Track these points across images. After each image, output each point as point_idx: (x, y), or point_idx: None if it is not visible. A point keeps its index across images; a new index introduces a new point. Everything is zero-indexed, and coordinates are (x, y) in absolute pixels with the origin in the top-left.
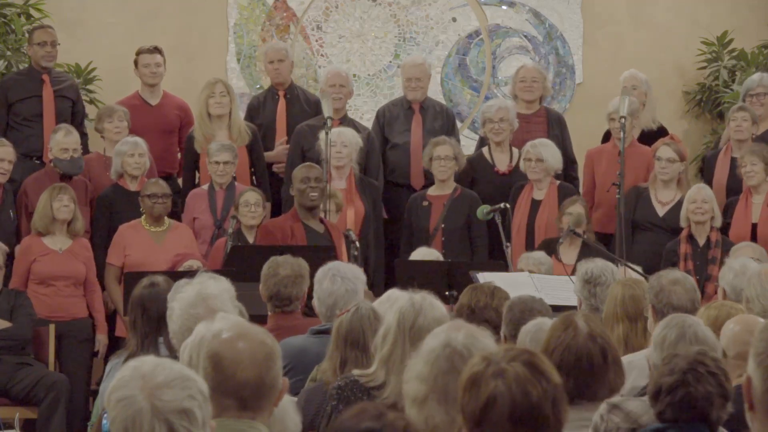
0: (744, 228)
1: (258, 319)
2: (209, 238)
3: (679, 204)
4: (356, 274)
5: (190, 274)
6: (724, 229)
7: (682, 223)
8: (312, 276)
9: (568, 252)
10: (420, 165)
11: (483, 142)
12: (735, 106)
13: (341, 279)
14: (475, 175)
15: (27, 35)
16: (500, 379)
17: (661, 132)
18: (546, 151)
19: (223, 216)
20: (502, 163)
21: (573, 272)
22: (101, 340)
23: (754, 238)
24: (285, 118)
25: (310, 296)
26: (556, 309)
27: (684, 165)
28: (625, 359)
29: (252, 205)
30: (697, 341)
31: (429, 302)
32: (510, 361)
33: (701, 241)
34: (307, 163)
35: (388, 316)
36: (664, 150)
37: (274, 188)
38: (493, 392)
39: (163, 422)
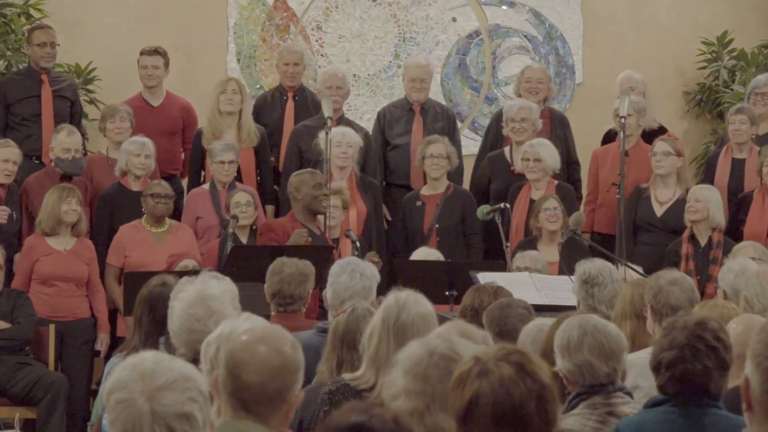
0: (760, 227)
1: None
2: (216, 238)
3: (678, 203)
4: (373, 273)
5: (191, 273)
6: (738, 225)
7: (686, 223)
8: (320, 271)
9: (549, 250)
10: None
11: (487, 140)
12: (733, 108)
13: (360, 275)
14: (492, 172)
15: (27, 35)
16: (484, 379)
17: (662, 132)
18: (544, 150)
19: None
20: (519, 164)
21: (560, 270)
22: (103, 339)
23: None
24: (293, 119)
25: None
26: (556, 309)
27: (681, 160)
28: (626, 358)
29: (243, 206)
30: (599, 333)
31: (413, 299)
32: (498, 361)
33: (703, 242)
34: (310, 169)
35: (375, 316)
36: (659, 145)
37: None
38: (476, 392)
39: (164, 427)
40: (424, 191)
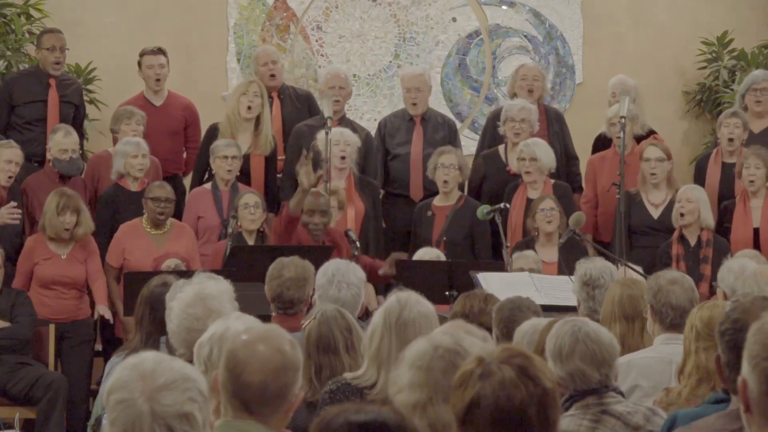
0: (745, 233)
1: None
2: (216, 239)
3: (672, 203)
4: (359, 276)
5: (185, 273)
6: (724, 234)
7: (674, 224)
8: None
9: (546, 250)
10: (419, 177)
11: (485, 139)
12: (727, 111)
13: (347, 285)
14: (486, 171)
15: (27, 35)
16: (486, 381)
17: (649, 135)
18: (539, 150)
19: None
20: (515, 164)
21: (560, 270)
22: (102, 310)
23: (756, 242)
24: (280, 118)
25: None
26: (556, 309)
27: (671, 164)
28: (624, 359)
29: (251, 207)
30: (591, 341)
31: (415, 298)
32: (501, 363)
33: (692, 242)
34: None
35: (376, 315)
36: (651, 150)
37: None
38: (477, 394)
39: (164, 427)
40: (437, 202)
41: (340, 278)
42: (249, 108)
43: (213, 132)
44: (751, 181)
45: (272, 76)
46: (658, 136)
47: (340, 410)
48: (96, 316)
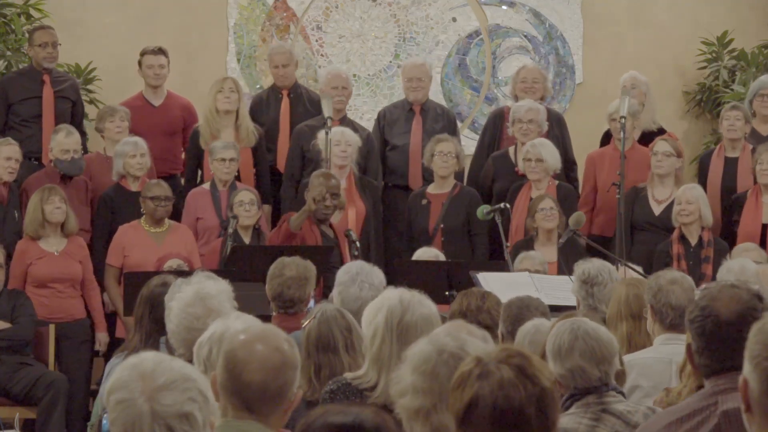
0: (754, 228)
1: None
2: (216, 239)
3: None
4: (381, 279)
5: (186, 273)
6: (732, 226)
7: (674, 224)
8: (321, 271)
9: (546, 249)
10: (418, 167)
11: (484, 139)
12: (728, 105)
13: (369, 286)
14: (495, 172)
15: (27, 35)
16: (484, 381)
17: (661, 133)
18: (545, 150)
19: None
20: (522, 164)
21: (559, 270)
22: (101, 338)
23: (764, 237)
24: (288, 117)
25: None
26: (556, 309)
27: (681, 162)
28: (626, 359)
29: (246, 204)
30: (591, 338)
31: (418, 300)
32: (499, 363)
33: (693, 241)
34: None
35: (378, 315)
36: (660, 144)
37: (275, 189)
38: (475, 394)
39: (164, 426)
40: (431, 189)
41: (364, 278)
42: (227, 103)
43: (196, 136)
44: (763, 174)
45: (283, 78)
46: (672, 134)
47: (323, 411)
48: (98, 345)
